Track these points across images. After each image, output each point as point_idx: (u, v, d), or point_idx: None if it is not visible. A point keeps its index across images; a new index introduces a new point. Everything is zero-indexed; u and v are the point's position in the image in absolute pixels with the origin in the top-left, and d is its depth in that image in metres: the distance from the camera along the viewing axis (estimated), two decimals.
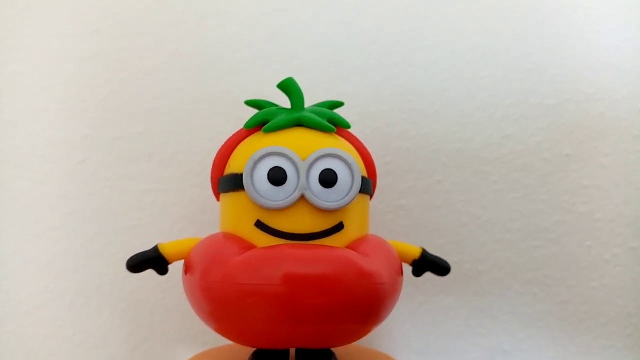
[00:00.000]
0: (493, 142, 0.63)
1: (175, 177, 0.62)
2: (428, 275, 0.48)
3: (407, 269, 0.48)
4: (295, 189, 0.41)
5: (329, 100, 0.50)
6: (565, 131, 0.63)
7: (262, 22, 0.64)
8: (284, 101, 0.47)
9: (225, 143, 0.47)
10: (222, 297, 0.40)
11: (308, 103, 0.50)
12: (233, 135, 0.47)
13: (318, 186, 0.42)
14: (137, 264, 0.45)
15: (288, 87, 0.46)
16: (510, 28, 0.64)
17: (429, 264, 0.48)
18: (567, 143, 0.63)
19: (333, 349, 0.45)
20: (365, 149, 0.47)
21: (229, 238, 0.43)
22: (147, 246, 0.47)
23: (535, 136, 0.63)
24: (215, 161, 0.47)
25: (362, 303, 0.40)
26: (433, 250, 0.49)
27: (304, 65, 0.64)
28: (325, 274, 0.39)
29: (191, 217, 0.62)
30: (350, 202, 0.42)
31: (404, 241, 0.50)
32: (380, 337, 0.63)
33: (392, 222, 0.63)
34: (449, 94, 0.64)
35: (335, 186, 0.42)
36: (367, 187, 0.45)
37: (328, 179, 0.42)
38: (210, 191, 0.48)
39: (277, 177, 0.41)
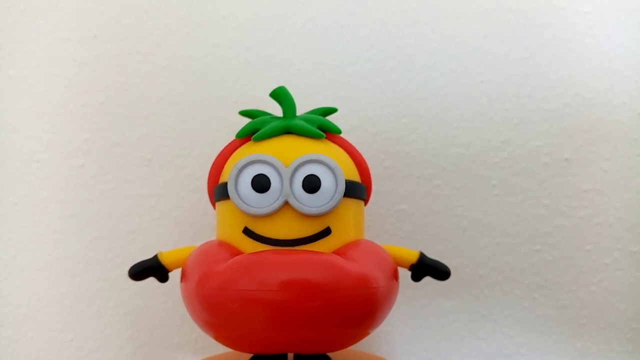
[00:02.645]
0: (492, 147, 0.63)
1: (175, 182, 0.63)
2: (428, 279, 0.48)
3: (408, 274, 0.48)
4: (279, 196, 0.42)
5: (326, 105, 0.51)
6: (564, 135, 0.63)
7: (261, 27, 0.64)
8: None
9: (220, 153, 0.47)
10: (211, 303, 0.41)
11: (307, 108, 0.50)
12: (227, 145, 0.48)
13: (301, 192, 0.42)
14: (138, 273, 0.46)
15: (279, 95, 0.47)
16: (509, 32, 0.64)
17: (427, 268, 0.47)
18: (567, 147, 0.63)
19: (330, 354, 0.45)
20: (359, 154, 0.48)
21: (220, 245, 0.44)
22: (147, 251, 0.48)
23: (534, 140, 0.63)
24: (210, 171, 0.48)
25: (351, 308, 0.41)
26: (433, 255, 0.49)
27: (303, 70, 0.64)
28: (305, 278, 0.39)
29: (191, 222, 0.62)
30: (334, 206, 0.42)
31: (403, 246, 0.50)
32: (379, 340, 0.63)
33: (392, 227, 0.63)
34: (448, 99, 0.64)
35: (319, 191, 0.42)
36: (358, 191, 0.46)
37: (311, 185, 0.42)
38: None
39: (261, 184, 0.42)
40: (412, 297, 0.63)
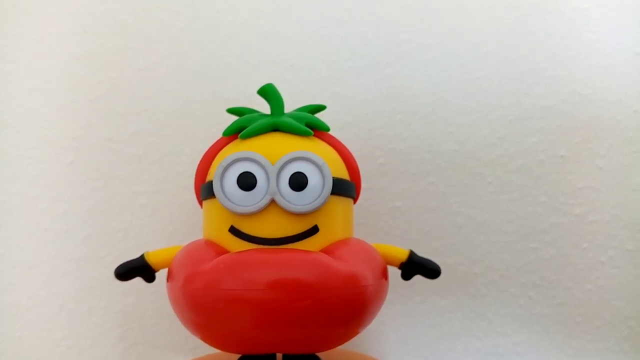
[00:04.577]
0: (488, 144, 0.63)
1: (167, 179, 0.62)
2: (421, 277, 0.48)
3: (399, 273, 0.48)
4: (265, 193, 0.41)
5: (321, 101, 0.50)
6: (560, 132, 0.62)
7: (255, 23, 0.64)
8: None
9: (207, 151, 0.47)
10: (197, 303, 0.41)
11: (301, 104, 0.50)
12: (214, 143, 0.47)
13: (288, 190, 0.42)
14: (124, 273, 0.46)
15: (267, 92, 0.46)
16: (505, 29, 0.64)
17: (418, 267, 0.47)
18: (563, 144, 0.62)
19: (319, 354, 0.45)
20: (348, 152, 0.47)
21: (207, 245, 0.44)
22: (138, 248, 0.47)
23: (530, 137, 0.63)
24: (197, 169, 0.47)
25: (340, 307, 0.40)
26: (428, 253, 0.49)
27: (298, 66, 0.64)
28: (292, 278, 0.39)
29: (183, 219, 0.62)
30: (321, 204, 0.42)
31: (398, 244, 0.49)
32: (372, 339, 0.63)
33: (387, 224, 0.63)
34: (443, 95, 0.63)
35: (306, 189, 0.42)
36: (347, 189, 0.45)
37: (298, 182, 0.42)
38: None
39: (247, 182, 0.42)
40: (406, 295, 0.63)
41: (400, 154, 0.63)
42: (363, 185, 0.49)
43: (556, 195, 0.63)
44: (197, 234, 0.48)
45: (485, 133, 0.63)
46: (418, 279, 0.48)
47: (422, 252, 0.48)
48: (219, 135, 0.48)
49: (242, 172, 0.42)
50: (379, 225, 0.63)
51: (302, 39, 0.64)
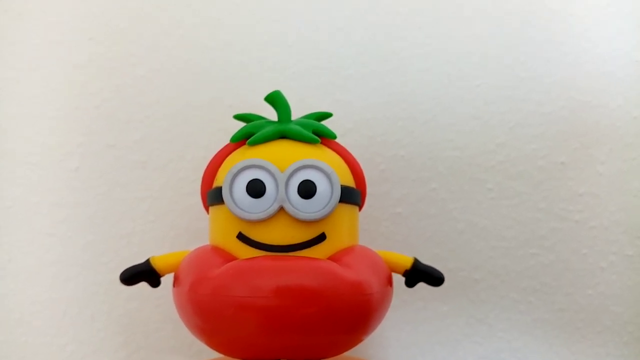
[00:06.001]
0: (488, 150, 0.63)
1: (170, 185, 0.62)
2: (423, 283, 0.48)
3: (401, 279, 0.48)
4: (274, 201, 0.42)
5: (322, 108, 0.50)
6: (560, 139, 0.63)
7: (256, 30, 0.64)
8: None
9: (213, 157, 0.47)
10: (203, 309, 0.41)
11: (302, 111, 0.50)
12: (221, 149, 0.47)
13: (297, 197, 0.42)
14: (130, 277, 0.46)
15: (274, 99, 0.47)
16: (504, 35, 0.64)
17: (421, 274, 0.47)
18: (562, 150, 0.63)
19: None
20: (354, 159, 0.48)
21: (214, 250, 0.44)
22: (141, 254, 0.47)
23: (530, 144, 0.63)
24: (204, 175, 0.47)
25: (346, 314, 0.41)
26: (429, 258, 0.49)
27: (298, 74, 0.64)
28: (299, 285, 0.39)
29: (185, 225, 0.62)
30: (330, 212, 0.42)
31: (399, 249, 0.50)
32: (375, 345, 0.63)
33: (388, 230, 0.63)
34: (443, 102, 0.64)
35: (314, 197, 0.42)
36: (353, 197, 0.46)
37: (306, 190, 0.42)
38: None
39: (256, 189, 0.42)
40: (407, 301, 0.63)
41: (401, 161, 0.63)
42: None
43: (556, 201, 0.63)
44: (200, 240, 0.48)
45: (485, 139, 0.63)
46: (419, 285, 0.48)
47: (423, 258, 0.48)
48: (222, 142, 0.48)
49: (251, 179, 0.42)
50: (379, 231, 0.63)
51: (302, 46, 0.64)
